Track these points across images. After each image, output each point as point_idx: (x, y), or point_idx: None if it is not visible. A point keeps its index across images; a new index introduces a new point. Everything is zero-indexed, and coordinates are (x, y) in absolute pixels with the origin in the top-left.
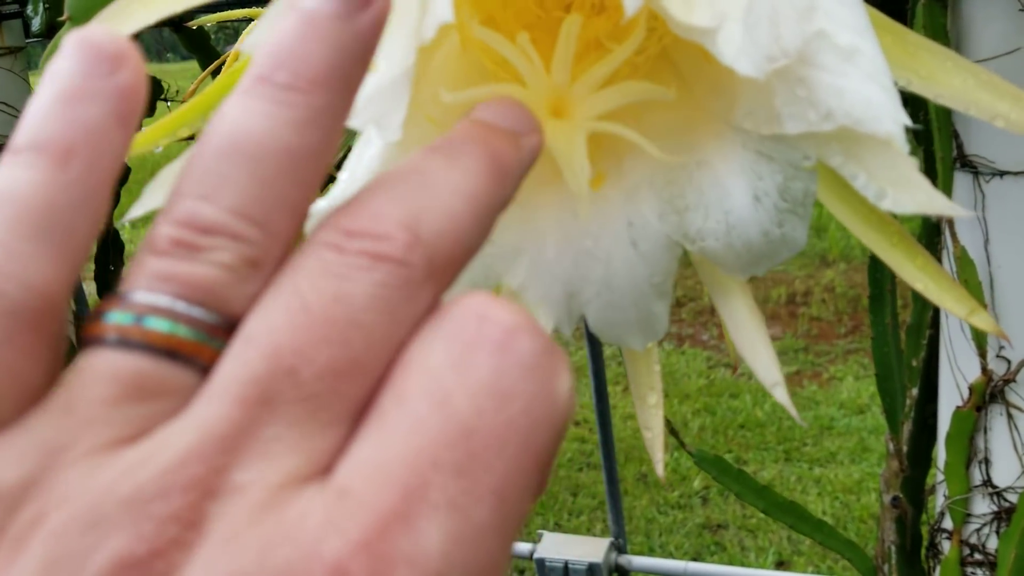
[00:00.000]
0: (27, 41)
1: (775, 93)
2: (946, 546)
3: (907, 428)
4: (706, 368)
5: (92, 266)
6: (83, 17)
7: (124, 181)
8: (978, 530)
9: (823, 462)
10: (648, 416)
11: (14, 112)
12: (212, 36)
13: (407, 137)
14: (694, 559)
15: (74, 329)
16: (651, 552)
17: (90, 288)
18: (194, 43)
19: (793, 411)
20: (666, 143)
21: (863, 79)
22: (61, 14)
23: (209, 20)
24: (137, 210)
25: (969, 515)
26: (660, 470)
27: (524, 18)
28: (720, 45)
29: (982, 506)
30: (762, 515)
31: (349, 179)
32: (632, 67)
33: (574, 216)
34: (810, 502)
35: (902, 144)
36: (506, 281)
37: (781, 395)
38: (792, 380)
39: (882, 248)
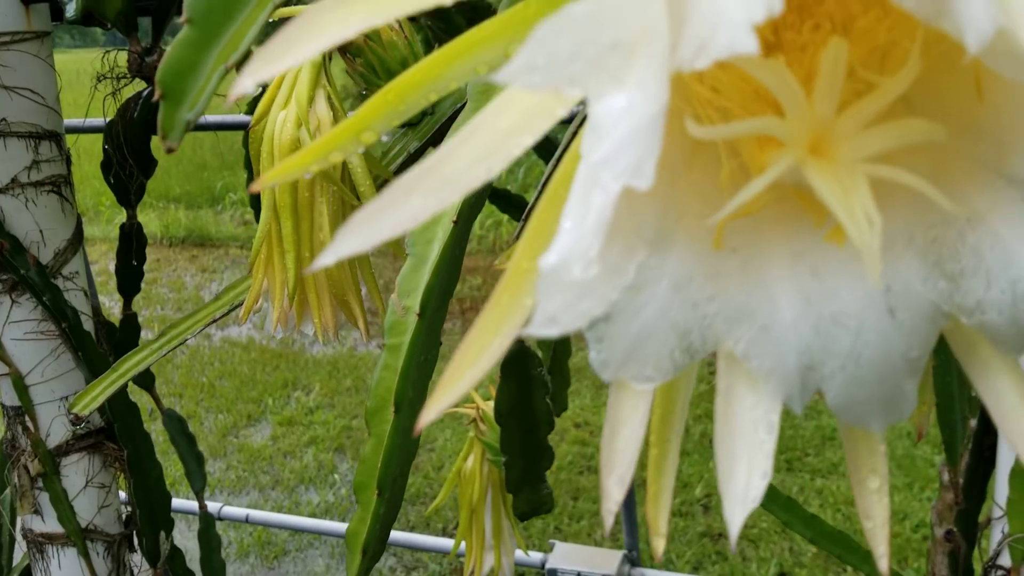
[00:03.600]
0: (54, 24)
1: None
2: None
3: (963, 460)
4: (707, 373)
5: (114, 259)
6: (202, 20)
7: (151, 173)
8: None
9: (825, 473)
10: (869, 503)
11: (39, 99)
12: None
13: None
14: (695, 568)
15: (92, 322)
16: (651, 560)
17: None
18: None
19: None
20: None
21: None
22: (98, 1)
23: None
24: (326, 258)
25: None
26: (884, 566)
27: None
28: None
29: None
30: (764, 525)
31: (575, 229)
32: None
33: (814, 274)
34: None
35: None
36: (726, 346)
37: None
38: None
39: None
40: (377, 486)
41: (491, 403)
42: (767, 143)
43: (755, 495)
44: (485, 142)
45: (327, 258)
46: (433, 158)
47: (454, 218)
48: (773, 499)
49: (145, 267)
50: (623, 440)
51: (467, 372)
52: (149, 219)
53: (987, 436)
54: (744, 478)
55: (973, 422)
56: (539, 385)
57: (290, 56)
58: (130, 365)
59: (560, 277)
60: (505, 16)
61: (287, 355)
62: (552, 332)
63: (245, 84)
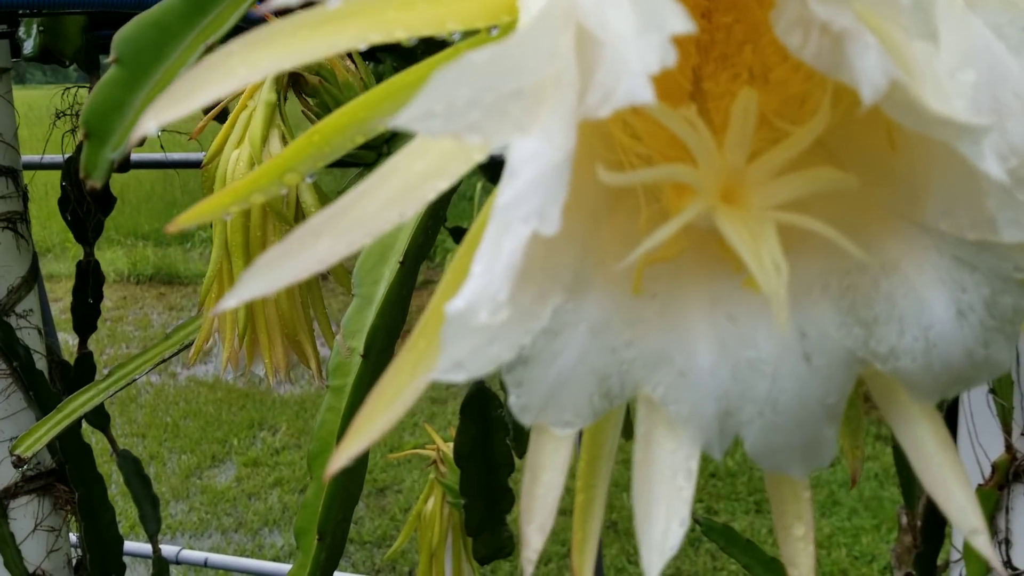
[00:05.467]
0: (14, 60)
1: (988, 194)
2: None
3: (921, 503)
4: None
5: (70, 298)
6: (131, 60)
7: (109, 211)
8: None
9: None
10: (794, 550)
11: None
12: None
13: None
14: None
15: (47, 363)
16: None
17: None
18: None
19: (996, 562)
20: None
21: None
22: (56, 38)
23: None
24: (230, 301)
25: None
26: None
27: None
28: (984, 146)
29: None
30: (733, 567)
31: (485, 273)
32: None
33: (731, 320)
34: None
35: None
36: (645, 392)
37: (983, 544)
38: None
39: None
40: (318, 531)
41: (452, 444)
42: (684, 189)
43: (673, 543)
44: (399, 185)
45: (230, 301)
46: (344, 200)
47: (400, 259)
48: (733, 542)
49: (111, 304)
50: (543, 487)
51: (379, 418)
52: (117, 256)
53: None
54: (662, 525)
55: None
56: (499, 427)
57: (196, 97)
58: (76, 405)
59: (467, 322)
60: (433, 60)
61: (253, 394)
62: (459, 377)
63: (148, 126)
